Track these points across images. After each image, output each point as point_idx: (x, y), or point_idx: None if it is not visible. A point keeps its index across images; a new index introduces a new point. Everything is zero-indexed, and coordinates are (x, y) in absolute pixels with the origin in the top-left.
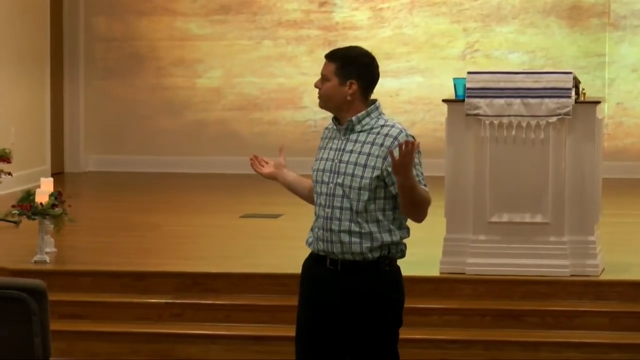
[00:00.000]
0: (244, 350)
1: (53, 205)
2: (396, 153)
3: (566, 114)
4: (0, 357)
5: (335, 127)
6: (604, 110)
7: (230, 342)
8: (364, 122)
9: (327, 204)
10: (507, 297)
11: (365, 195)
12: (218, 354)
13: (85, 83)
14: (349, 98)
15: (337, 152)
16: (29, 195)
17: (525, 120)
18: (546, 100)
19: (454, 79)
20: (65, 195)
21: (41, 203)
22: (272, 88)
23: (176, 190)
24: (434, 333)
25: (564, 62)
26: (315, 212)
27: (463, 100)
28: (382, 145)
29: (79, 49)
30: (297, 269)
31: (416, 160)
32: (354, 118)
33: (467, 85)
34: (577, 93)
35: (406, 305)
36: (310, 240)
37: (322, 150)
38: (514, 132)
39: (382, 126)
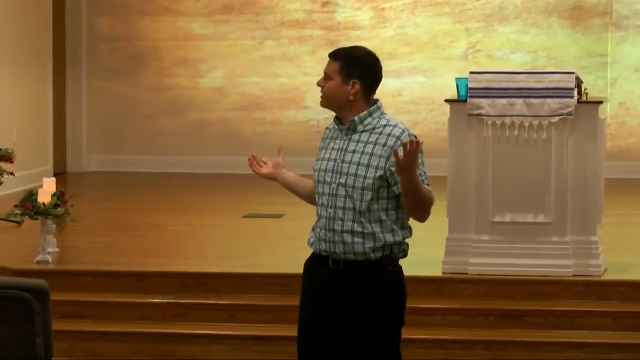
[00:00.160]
0: (246, 350)
1: (55, 205)
2: (400, 153)
3: (568, 114)
4: (3, 356)
5: (336, 126)
6: (606, 110)
7: (233, 342)
8: (366, 122)
9: (330, 204)
10: (509, 297)
11: (368, 195)
12: (221, 354)
13: (88, 83)
14: (351, 97)
15: (339, 152)
16: (31, 195)
17: (527, 120)
18: (548, 100)
19: (457, 79)
20: (67, 195)
21: (43, 203)
22: (275, 88)
23: (178, 190)
24: (437, 333)
25: (566, 62)
26: (317, 212)
27: (465, 100)
28: (385, 145)
29: (82, 49)
30: (299, 269)
31: (419, 160)
32: (356, 118)
33: (470, 85)
34: (579, 93)
35: (408, 305)
36: (311, 240)
37: (324, 150)
38: (516, 132)
39: (384, 126)
